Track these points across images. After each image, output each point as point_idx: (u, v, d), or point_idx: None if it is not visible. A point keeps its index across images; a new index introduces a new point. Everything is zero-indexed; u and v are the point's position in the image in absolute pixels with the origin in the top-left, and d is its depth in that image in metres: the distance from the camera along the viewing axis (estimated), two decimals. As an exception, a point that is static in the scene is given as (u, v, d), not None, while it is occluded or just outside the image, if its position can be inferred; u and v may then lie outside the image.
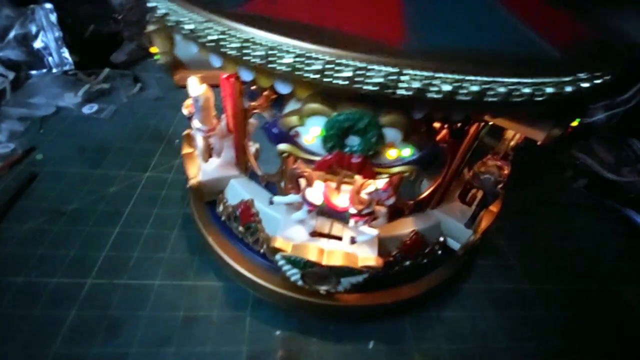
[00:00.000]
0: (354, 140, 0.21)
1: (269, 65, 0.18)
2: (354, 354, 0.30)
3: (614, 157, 0.52)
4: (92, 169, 0.45)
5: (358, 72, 0.17)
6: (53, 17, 0.50)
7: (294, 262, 0.27)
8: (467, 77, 0.17)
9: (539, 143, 0.22)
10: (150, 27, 0.25)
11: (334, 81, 0.18)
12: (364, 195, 0.25)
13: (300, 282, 0.29)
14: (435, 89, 0.17)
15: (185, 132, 0.37)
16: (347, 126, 0.21)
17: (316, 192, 0.26)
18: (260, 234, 0.31)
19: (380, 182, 0.25)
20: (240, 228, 0.32)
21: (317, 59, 0.17)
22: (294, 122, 0.22)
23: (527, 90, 0.18)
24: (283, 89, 0.20)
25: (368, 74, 0.17)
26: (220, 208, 0.34)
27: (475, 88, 0.17)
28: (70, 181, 0.43)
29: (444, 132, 0.27)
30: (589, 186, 0.50)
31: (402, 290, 0.31)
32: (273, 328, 0.32)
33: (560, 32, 0.23)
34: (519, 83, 0.18)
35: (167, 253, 0.37)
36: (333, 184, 0.27)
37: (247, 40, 0.18)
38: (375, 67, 0.17)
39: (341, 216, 0.27)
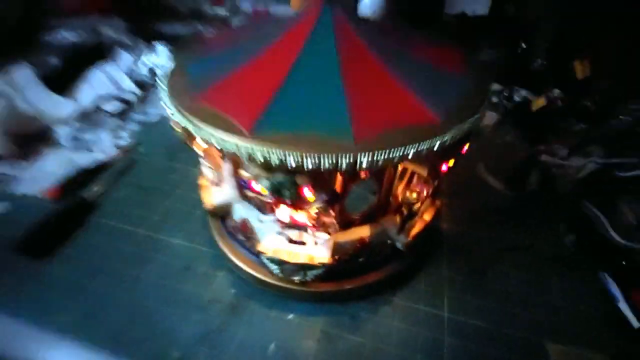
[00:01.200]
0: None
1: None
2: (325, 322, 0.39)
3: (637, 219, 0.46)
4: (169, 161, 0.59)
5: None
6: (169, 55, 0.75)
7: (272, 260, 0.35)
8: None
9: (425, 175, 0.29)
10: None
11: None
12: (312, 213, 0.34)
13: (280, 275, 0.37)
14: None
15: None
16: (277, 184, 0.28)
17: (284, 214, 0.35)
18: (253, 240, 0.39)
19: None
20: (241, 236, 0.40)
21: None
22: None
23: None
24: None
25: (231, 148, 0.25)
26: (230, 225, 0.42)
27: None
28: (154, 168, 0.58)
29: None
30: (578, 244, 0.47)
31: (366, 278, 0.39)
32: (283, 313, 0.39)
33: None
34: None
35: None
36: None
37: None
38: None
39: (303, 228, 0.36)
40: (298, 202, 0.31)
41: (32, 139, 0.61)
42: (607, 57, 0.71)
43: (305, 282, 0.37)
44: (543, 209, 0.53)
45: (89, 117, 0.65)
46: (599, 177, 0.56)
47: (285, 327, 0.38)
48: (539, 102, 0.69)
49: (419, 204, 0.35)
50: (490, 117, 0.71)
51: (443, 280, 0.43)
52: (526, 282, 0.43)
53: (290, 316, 0.39)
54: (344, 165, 0.24)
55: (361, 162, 0.24)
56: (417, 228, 0.39)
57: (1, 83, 0.60)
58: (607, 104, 0.68)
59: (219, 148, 0.26)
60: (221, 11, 0.90)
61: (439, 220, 0.50)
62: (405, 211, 0.36)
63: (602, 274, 0.43)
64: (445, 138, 0.25)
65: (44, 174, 0.55)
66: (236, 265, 0.41)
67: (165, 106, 0.31)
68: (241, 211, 0.39)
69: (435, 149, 0.25)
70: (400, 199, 0.36)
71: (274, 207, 0.36)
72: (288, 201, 0.31)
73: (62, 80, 0.67)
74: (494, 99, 0.77)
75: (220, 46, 0.35)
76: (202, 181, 0.43)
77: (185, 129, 0.29)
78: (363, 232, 0.37)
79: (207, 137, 0.26)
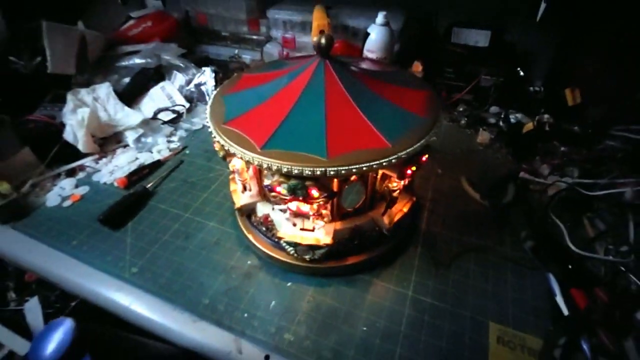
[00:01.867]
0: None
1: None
2: (314, 290, 0.51)
3: (594, 233, 0.56)
4: (208, 162, 0.76)
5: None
6: (212, 75, 0.92)
7: (288, 243, 0.47)
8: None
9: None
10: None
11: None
12: (314, 206, 0.45)
13: (294, 254, 0.49)
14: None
15: (230, 176, 0.58)
16: (293, 187, 0.40)
17: (293, 206, 0.46)
18: (274, 230, 0.51)
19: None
20: (264, 228, 0.52)
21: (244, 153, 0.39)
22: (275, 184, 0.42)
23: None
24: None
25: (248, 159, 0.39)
26: (253, 219, 0.55)
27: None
28: (197, 166, 0.74)
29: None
30: (535, 250, 0.54)
31: (359, 256, 0.52)
32: (284, 281, 0.52)
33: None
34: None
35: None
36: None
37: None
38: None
39: (306, 216, 0.47)
40: (308, 199, 0.42)
41: (109, 141, 0.79)
42: (598, 86, 0.77)
43: (313, 259, 0.48)
44: (513, 219, 0.62)
45: (150, 125, 0.82)
46: (568, 195, 0.63)
47: (284, 291, 0.51)
48: (528, 126, 0.77)
49: (397, 192, 0.48)
50: (484, 136, 0.80)
51: (413, 268, 0.54)
52: (483, 276, 0.53)
53: (289, 284, 0.52)
54: (318, 173, 0.36)
55: (330, 171, 0.36)
56: (397, 216, 0.51)
57: (88, 97, 0.79)
58: (596, 130, 0.75)
59: (241, 158, 0.40)
60: (257, 36, 1.06)
61: (420, 221, 0.61)
62: (388, 198, 0.48)
63: (548, 274, 0.51)
64: (391, 158, 0.37)
65: (116, 167, 0.73)
66: (252, 244, 0.54)
67: (209, 126, 0.45)
68: (263, 208, 0.52)
69: (383, 164, 0.37)
70: (382, 189, 0.48)
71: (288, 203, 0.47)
72: (300, 198, 0.42)
73: (131, 95, 0.86)
74: (492, 120, 0.86)
75: (248, 86, 0.49)
76: (232, 188, 0.57)
77: (222, 146, 0.42)
78: (356, 221, 0.49)
79: (234, 150, 0.40)
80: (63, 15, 0.84)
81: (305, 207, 0.47)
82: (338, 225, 0.48)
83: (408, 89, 0.48)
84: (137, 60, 0.88)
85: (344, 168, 0.36)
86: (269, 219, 0.51)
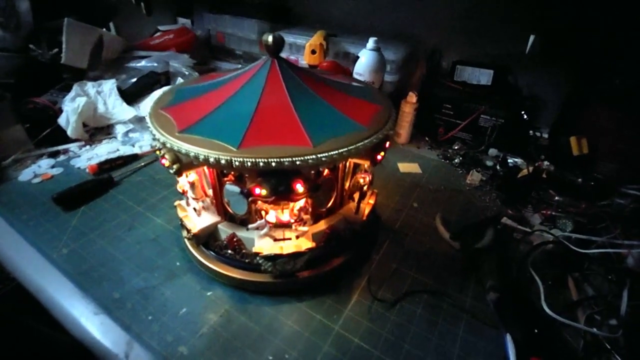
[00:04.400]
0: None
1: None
2: (232, 304, 0.46)
3: (578, 296, 0.48)
4: None
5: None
6: None
7: (267, 257, 0.43)
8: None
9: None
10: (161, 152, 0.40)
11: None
12: (295, 211, 0.43)
13: (270, 270, 0.45)
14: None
15: (176, 203, 0.52)
16: (276, 184, 0.37)
17: (271, 216, 0.43)
18: (243, 250, 0.47)
19: (300, 203, 0.43)
20: (230, 251, 0.48)
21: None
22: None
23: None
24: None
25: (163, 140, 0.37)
26: (211, 244, 0.50)
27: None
28: None
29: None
30: (498, 304, 0.46)
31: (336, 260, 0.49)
32: (205, 289, 0.47)
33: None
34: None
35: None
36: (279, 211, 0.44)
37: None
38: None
39: (287, 225, 0.43)
40: (292, 196, 0.38)
41: (100, 131, 0.83)
42: (609, 139, 0.69)
43: (294, 270, 0.45)
44: (483, 267, 0.53)
45: (141, 122, 0.85)
46: (555, 249, 0.54)
47: (201, 299, 0.46)
48: (524, 171, 0.70)
49: (366, 186, 0.48)
50: (474, 177, 0.74)
51: (350, 300, 0.47)
52: (430, 324, 0.45)
53: (209, 293, 0.47)
54: (222, 162, 0.34)
55: (236, 161, 0.33)
56: (367, 209, 0.51)
57: (93, 90, 0.84)
58: (602, 185, 0.66)
59: (157, 140, 0.38)
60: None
61: (375, 251, 0.55)
62: (358, 194, 0.48)
63: (506, 335, 0.42)
64: (307, 157, 0.34)
65: (96, 155, 0.75)
66: (186, 245, 0.51)
67: (149, 108, 0.44)
68: (226, 229, 0.46)
69: (297, 163, 0.34)
70: (352, 185, 0.49)
71: (265, 213, 0.43)
72: (284, 195, 0.38)
73: (134, 95, 0.90)
74: (489, 162, 0.79)
75: (201, 81, 0.49)
76: (182, 214, 0.49)
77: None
78: (330, 221, 0.47)
79: (155, 132, 0.39)
80: (95, 16, 0.93)
81: (284, 216, 0.43)
82: (314, 228, 0.46)
83: (362, 100, 0.45)
84: (147, 64, 0.94)
85: (249, 159, 0.33)
86: (235, 239, 0.46)
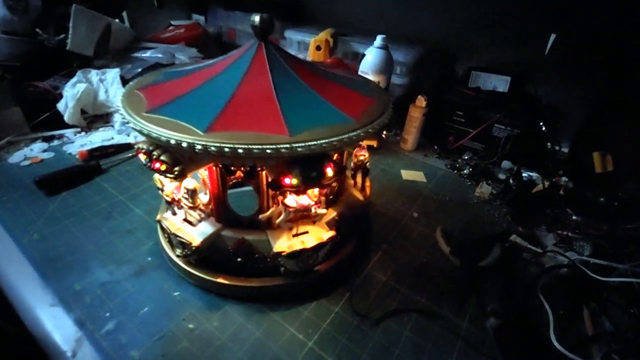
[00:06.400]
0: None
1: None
2: (199, 308, 0.42)
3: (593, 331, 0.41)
4: None
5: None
6: None
7: (290, 256, 0.39)
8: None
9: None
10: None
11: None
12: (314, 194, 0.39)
13: (293, 268, 0.41)
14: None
15: (158, 217, 0.45)
16: (307, 172, 0.33)
17: (290, 200, 0.38)
18: (256, 255, 0.42)
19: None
20: (239, 259, 0.42)
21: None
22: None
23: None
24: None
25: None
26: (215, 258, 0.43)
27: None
28: None
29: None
30: (498, 332, 0.41)
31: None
32: (172, 288, 0.44)
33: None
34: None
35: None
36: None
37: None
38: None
39: (307, 210, 0.39)
40: (322, 181, 0.35)
41: (99, 119, 0.82)
42: (638, 157, 0.62)
43: (315, 264, 0.42)
44: (486, 288, 0.47)
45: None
46: (570, 274, 0.48)
47: (166, 300, 0.42)
48: (538, 187, 0.64)
49: (368, 163, 0.51)
50: (484, 190, 0.68)
51: (329, 314, 0.42)
52: (417, 349, 0.40)
53: (176, 293, 0.43)
54: (184, 145, 0.30)
55: (199, 145, 0.30)
56: (369, 191, 0.54)
57: (96, 77, 0.83)
58: (629, 205, 0.59)
59: (127, 123, 0.34)
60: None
61: (365, 263, 0.50)
62: (361, 171, 0.51)
63: (505, 370, 0.36)
64: (280, 147, 0.30)
65: (89, 142, 0.73)
66: (160, 241, 0.47)
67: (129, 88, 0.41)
68: (232, 234, 0.41)
69: (268, 152, 0.30)
70: (355, 163, 0.52)
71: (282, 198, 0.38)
72: (315, 182, 0.34)
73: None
74: (501, 175, 0.73)
75: (193, 64, 0.46)
76: (174, 228, 0.42)
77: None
78: (336, 208, 0.46)
79: (122, 112, 0.35)
80: (108, 6, 0.94)
81: (304, 199, 0.38)
82: (327, 216, 0.44)
83: (355, 92, 0.41)
84: (153, 55, 0.93)
85: (213, 144, 0.29)
86: (246, 242, 0.41)
